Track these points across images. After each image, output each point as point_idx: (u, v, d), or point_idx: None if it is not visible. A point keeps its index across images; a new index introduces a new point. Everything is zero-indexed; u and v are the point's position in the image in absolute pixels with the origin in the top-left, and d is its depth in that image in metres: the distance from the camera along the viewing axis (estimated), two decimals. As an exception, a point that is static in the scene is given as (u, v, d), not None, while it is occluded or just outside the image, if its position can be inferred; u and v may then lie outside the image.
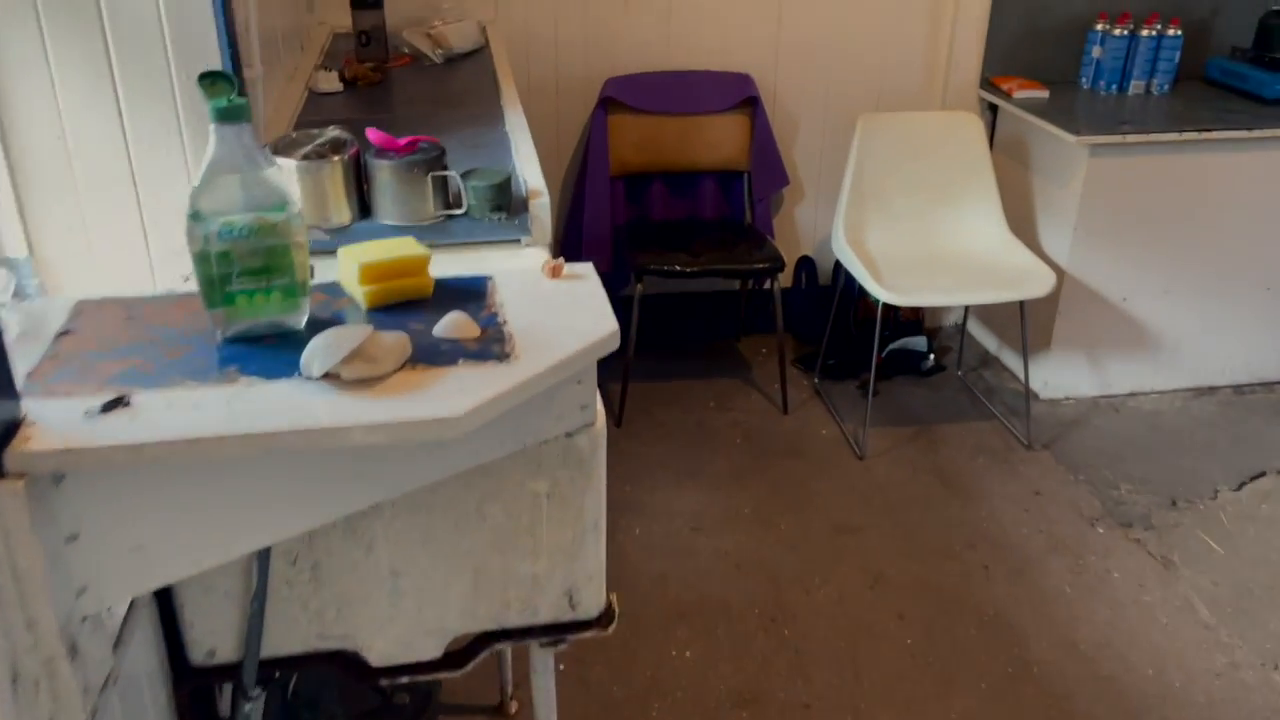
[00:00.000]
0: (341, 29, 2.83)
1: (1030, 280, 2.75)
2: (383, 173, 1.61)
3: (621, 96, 3.09)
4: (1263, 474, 2.79)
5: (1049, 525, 2.59)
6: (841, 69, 3.25)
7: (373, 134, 1.63)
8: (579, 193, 3.16)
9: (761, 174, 3.21)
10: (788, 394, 3.13)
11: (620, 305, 3.70)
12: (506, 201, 1.66)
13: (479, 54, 2.77)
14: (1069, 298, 3.00)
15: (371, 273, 1.24)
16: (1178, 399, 3.16)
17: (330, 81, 2.36)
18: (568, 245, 3.23)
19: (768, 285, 3.08)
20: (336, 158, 1.60)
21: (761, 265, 2.93)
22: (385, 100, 2.33)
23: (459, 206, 1.65)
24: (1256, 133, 2.85)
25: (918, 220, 3.05)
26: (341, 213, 1.63)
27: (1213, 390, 3.21)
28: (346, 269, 1.28)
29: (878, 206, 3.03)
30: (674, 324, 3.54)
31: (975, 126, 3.01)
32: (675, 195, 3.29)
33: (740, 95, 3.15)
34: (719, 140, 3.18)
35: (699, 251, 2.97)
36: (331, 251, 1.34)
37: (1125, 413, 3.10)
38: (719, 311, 3.55)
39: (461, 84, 2.50)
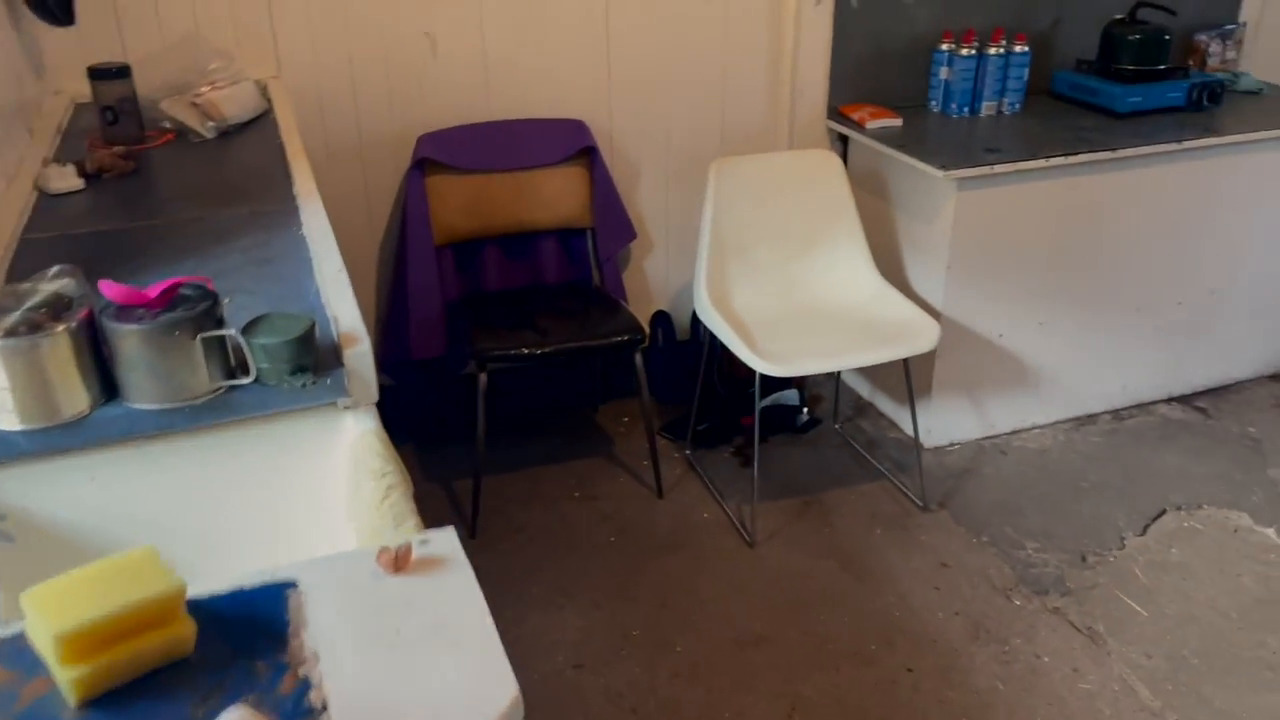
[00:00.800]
0: (85, 98, 2.30)
1: (913, 334, 2.52)
2: (129, 341, 1.16)
3: (439, 155, 2.67)
4: (1163, 512, 2.66)
5: (964, 604, 2.36)
6: (680, 108, 2.94)
7: (108, 288, 1.17)
8: (400, 268, 2.72)
9: (606, 230, 2.86)
10: (660, 472, 2.80)
11: (460, 386, 3.31)
12: (310, 359, 1.24)
13: (261, 121, 2.30)
14: (947, 340, 2.80)
15: (80, 645, 0.75)
16: (1061, 432, 3.02)
17: (66, 178, 1.86)
18: (392, 329, 2.79)
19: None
20: (60, 327, 1.15)
21: (618, 338, 2.58)
22: (141, 200, 1.85)
23: (245, 373, 1.22)
24: (1120, 153, 2.72)
25: (784, 272, 2.77)
26: (75, 399, 1.17)
27: (1093, 419, 3.08)
28: (38, 631, 0.79)
29: (740, 261, 2.74)
30: (522, 398, 3.15)
31: (833, 166, 2.76)
32: (513, 260, 2.90)
33: (575, 145, 2.79)
34: (556, 196, 2.81)
35: (546, 328, 2.60)
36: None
37: (1013, 454, 2.92)
38: (572, 378, 3.18)
39: (241, 166, 2.03)
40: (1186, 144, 2.77)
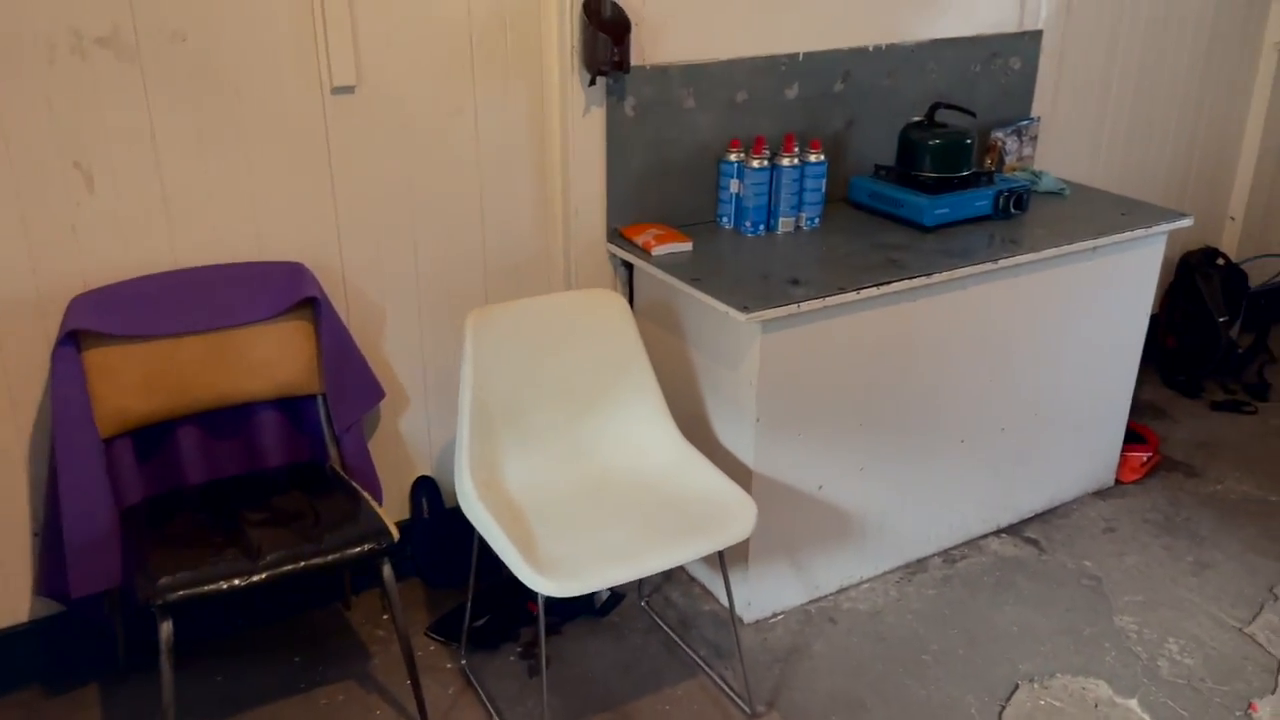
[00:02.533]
0: None
1: (725, 518, 2.06)
2: None
3: (99, 323, 2.02)
4: (1016, 687, 2.31)
5: None
6: (431, 237, 2.41)
7: None
8: (52, 477, 2.04)
9: (342, 394, 2.27)
10: (424, 701, 2.21)
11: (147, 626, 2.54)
12: None
13: None
14: (762, 500, 2.38)
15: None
16: (891, 585, 2.65)
17: None
18: (51, 550, 2.09)
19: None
20: None
21: (356, 550, 1.99)
22: None
23: None
24: (936, 278, 2.40)
25: (568, 439, 2.27)
26: None
27: (924, 564, 2.73)
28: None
29: (513, 429, 2.22)
30: (242, 604, 2.49)
31: (616, 307, 2.30)
32: (219, 441, 2.26)
33: (292, 295, 2.20)
34: (271, 359, 2.21)
35: (257, 541, 1.98)
36: None
37: (844, 621, 2.52)
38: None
39: None
40: (1002, 262, 2.50)
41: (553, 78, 2.41)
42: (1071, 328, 2.77)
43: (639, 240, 2.51)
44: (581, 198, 2.52)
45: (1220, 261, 3.70)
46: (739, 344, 2.30)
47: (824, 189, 2.67)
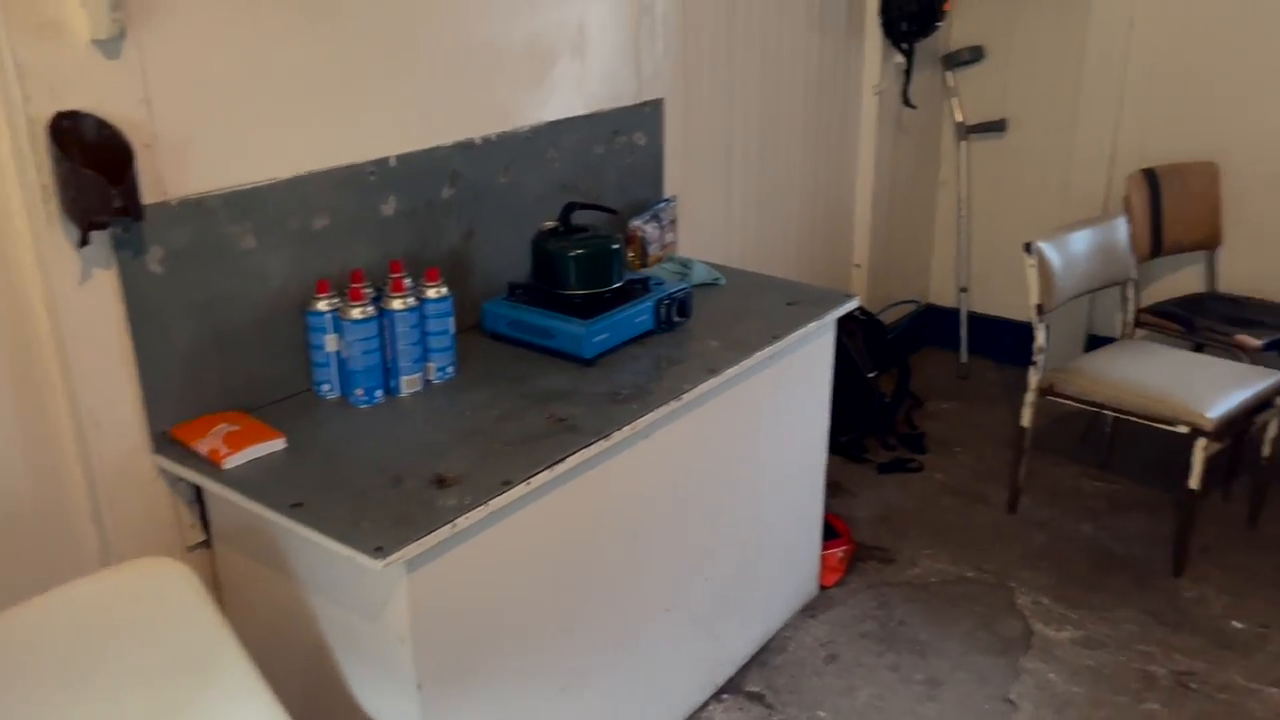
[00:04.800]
0: None
1: None
2: None
3: None
4: None
5: None
6: None
7: None
8: None
9: None
10: None
11: None
12: None
13: None
14: (442, 784, 1.71)
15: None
16: (617, 812, 2.10)
17: None
18: None
19: None
20: None
21: None
22: None
23: None
24: (616, 436, 1.87)
25: (124, 813, 1.46)
26: None
27: (648, 769, 2.21)
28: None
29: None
30: None
31: (181, 586, 1.51)
32: None
33: None
34: None
35: None
36: None
37: None
38: None
39: None
40: (686, 397, 2.03)
41: (18, 244, 1.57)
42: (760, 442, 2.39)
43: (202, 447, 1.74)
44: (98, 401, 1.70)
45: (860, 315, 3.57)
46: (377, 591, 1.62)
47: (452, 327, 2.05)
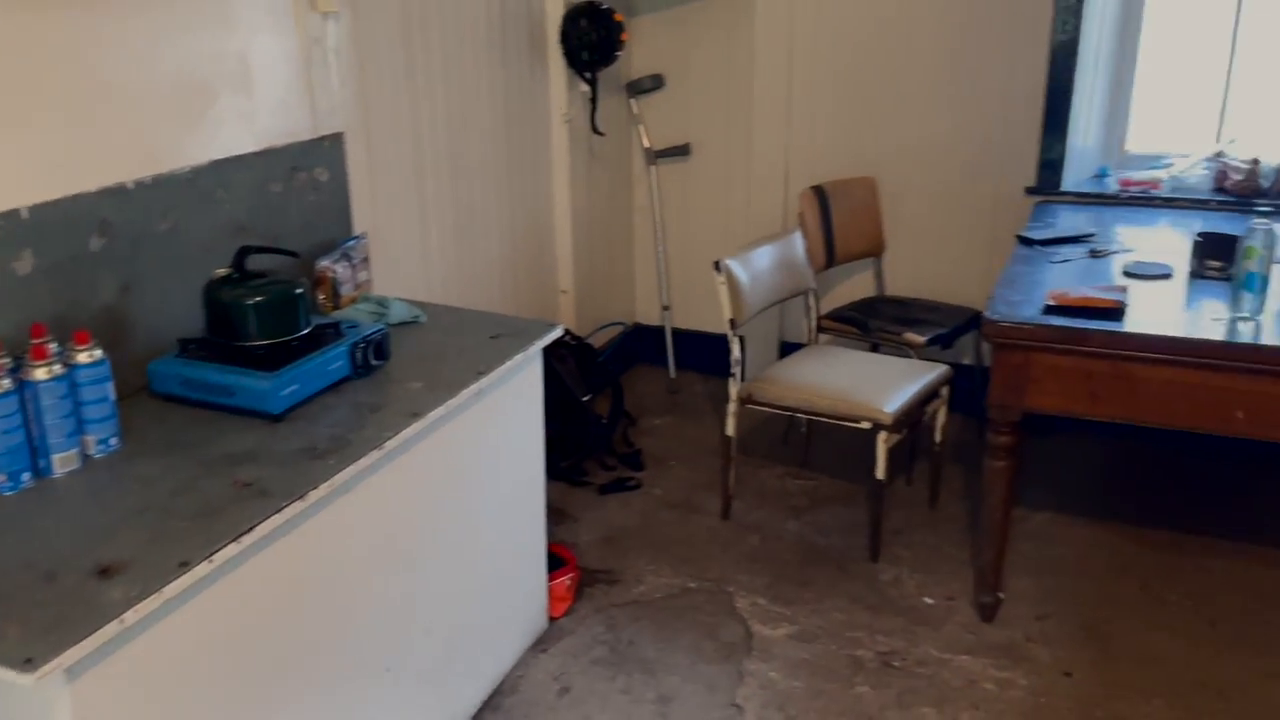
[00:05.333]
0: None
1: None
2: None
3: None
4: None
5: None
6: None
7: None
8: None
9: None
10: None
11: None
12: None
13: None
14: None
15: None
16: None
17: None
18: None
19: None
20: None
21: None
22: None
23: None
24: (313, 495, 1.74)
25: None
26: None
27: (381, 843, 2.08)
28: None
29: None
30: None
31: None
32: None
33: None
34: None
35: None
36: None
37: None
38: None
39: None
40: (389, 445, 1.93)
41: None
42: (475, 482, 2.32)
43: None
44: None
45: (568, 339, 3.60)
46: (34, 710, 1.40)
47: (112, 393, 1.84)
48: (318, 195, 2.53)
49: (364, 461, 1.86)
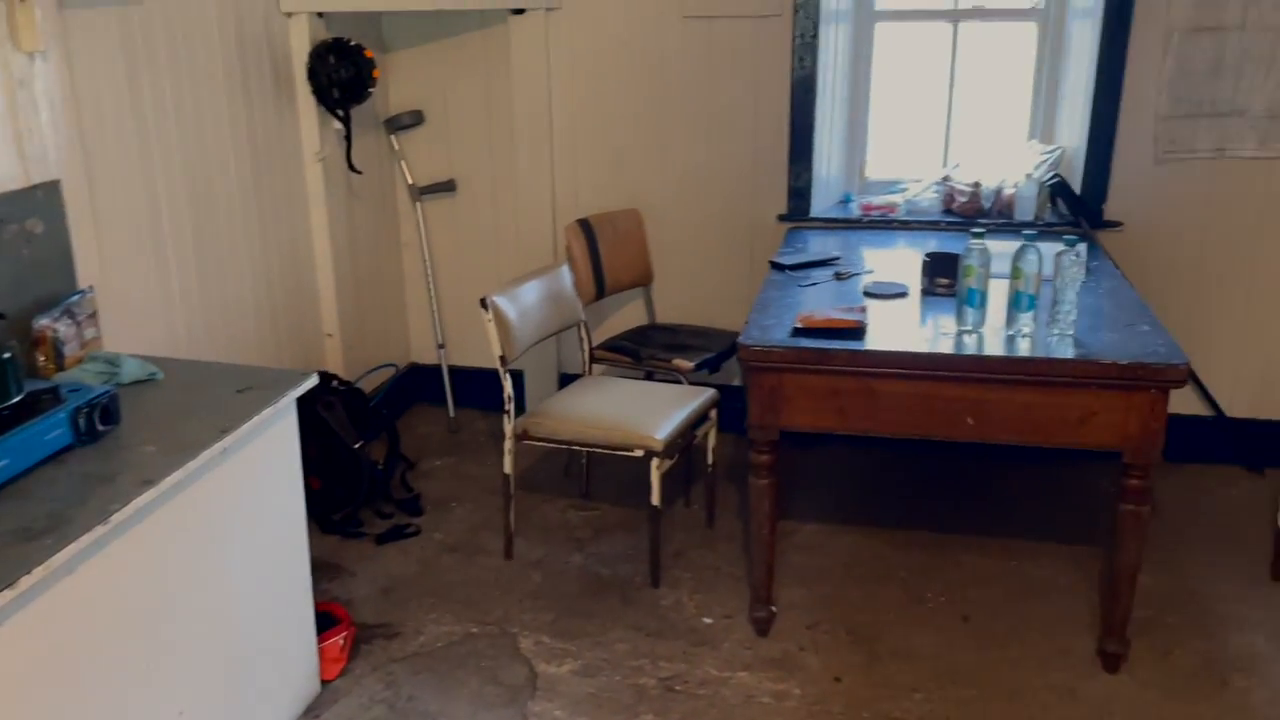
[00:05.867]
0: None
1: None
2: None
3: None
4: None
5: None
6: None
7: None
8: None
9: None
10: None
11: None
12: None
13: None
14: None
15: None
16: None
17: None
18: None
19: None
20: None
21: None
22: None
23: None
24: (25, 582, 1.58)
25: None
26: None
27: None
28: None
29: None
30: None
31: None
32: None
33: None
34: None
35: None
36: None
37: None
38: None
39: None
40: (115, 518, 1.78)
41: None
42: (225, 549, 2.18)
43: None
44: None
45: (336, 384, 3.47)
46: None
47: None
48: (32, 249, 2.32)
49: (87, 539, 1.71)
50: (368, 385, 3.81)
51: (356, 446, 3.37)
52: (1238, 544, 3.18)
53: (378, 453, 3.59)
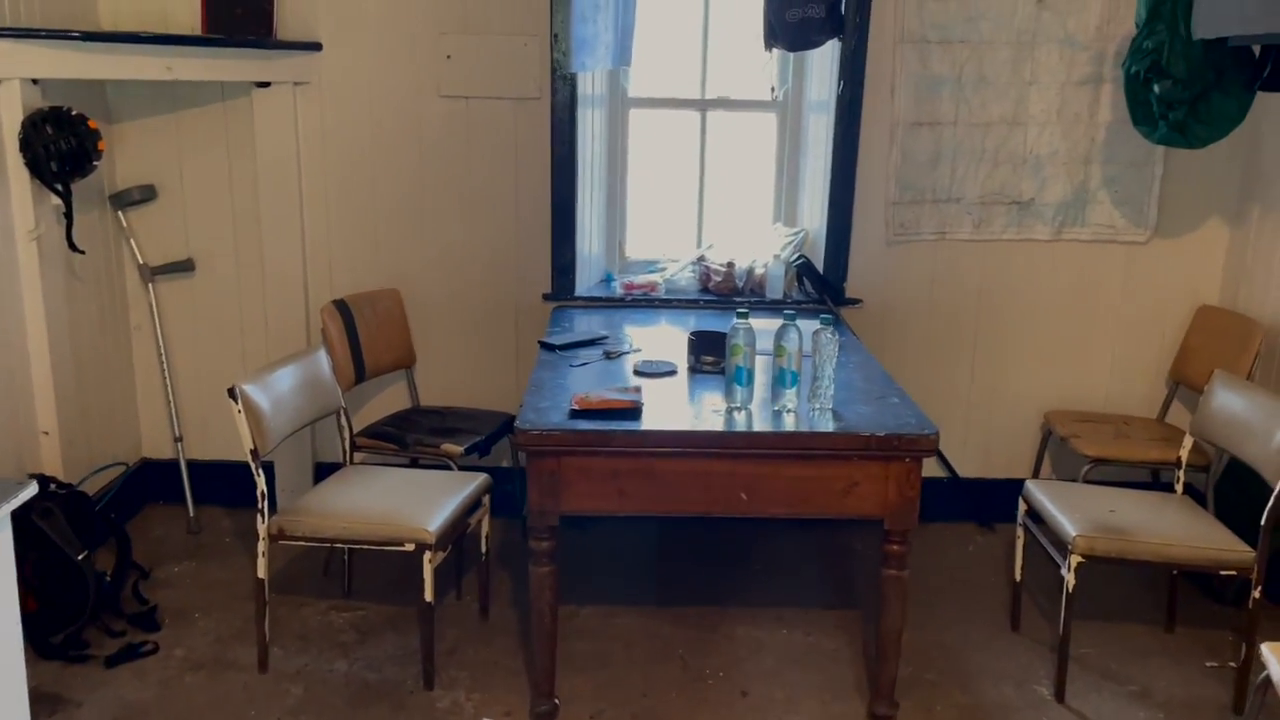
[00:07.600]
0: None
1: None
2: None
3: None
4: None
5: None
6: None
7: None
8: None
9: None
10: None
11: None
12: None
13: None
14: None
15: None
16: None
17: None
18: None
19: None
20: None
21: None
22: None
23: None
24: None
25: None
26: None
27: None
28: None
29: None
30: None
31: None
32: None
33: None
34: None
35: None
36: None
37: None
38: None
39: None
40: None
41: None
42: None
43: None
44: None
45: (55, 488, 3.07)
46: None
47: None
48: None
49: None
50: (92, 486, 3.41)
51: (80, 558, 2.99)
52: (978, 597, 3.42)
53: (105, 562, 3.20)
